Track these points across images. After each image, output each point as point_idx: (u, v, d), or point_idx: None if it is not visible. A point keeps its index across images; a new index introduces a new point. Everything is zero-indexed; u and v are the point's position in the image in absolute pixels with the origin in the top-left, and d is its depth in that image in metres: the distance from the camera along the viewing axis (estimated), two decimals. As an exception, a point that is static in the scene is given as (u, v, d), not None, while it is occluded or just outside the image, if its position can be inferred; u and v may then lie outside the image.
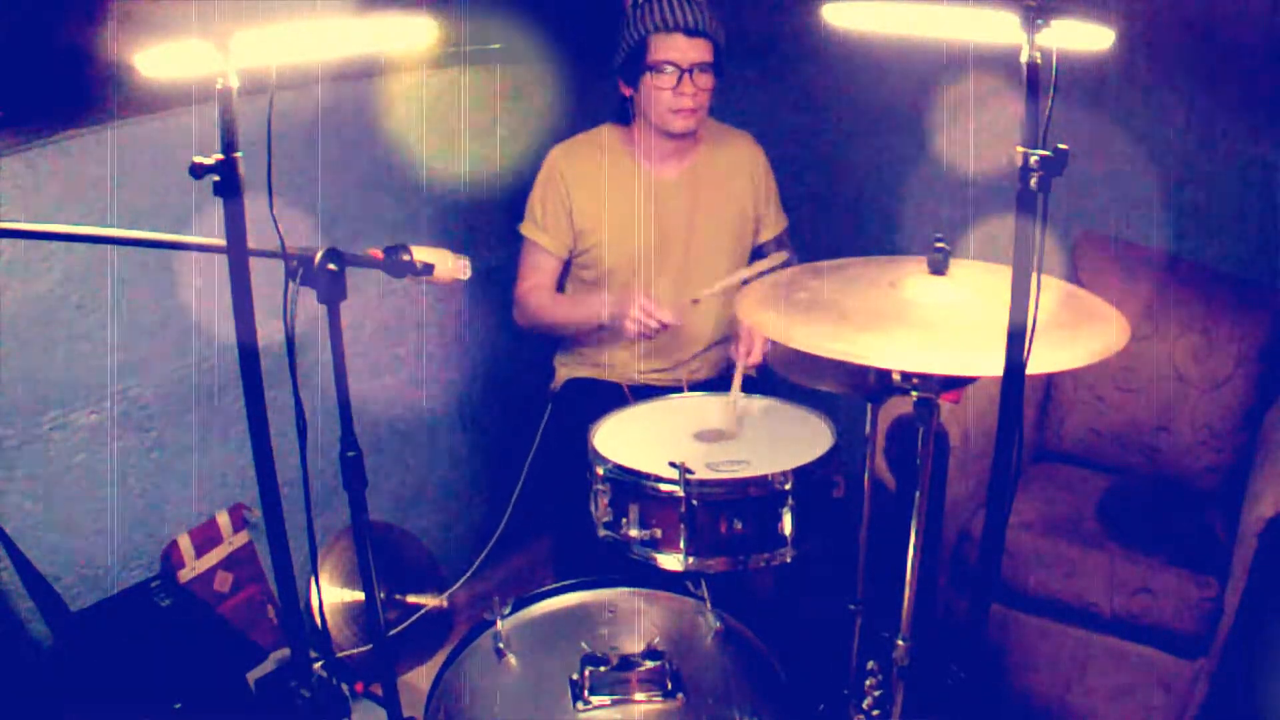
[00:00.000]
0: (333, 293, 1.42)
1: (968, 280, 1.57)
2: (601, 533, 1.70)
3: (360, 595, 2.27)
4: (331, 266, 1.40)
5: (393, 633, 2.32)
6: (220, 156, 1.23)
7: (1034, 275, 1.18)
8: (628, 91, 2.23)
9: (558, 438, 2.31)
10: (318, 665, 2.05)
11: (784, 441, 1.76)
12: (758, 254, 2.44)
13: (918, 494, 1.55)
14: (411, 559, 2.50)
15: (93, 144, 1.81)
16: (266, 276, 1.41)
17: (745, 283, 1.91)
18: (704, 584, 1.74)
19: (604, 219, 2.27)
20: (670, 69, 2.13)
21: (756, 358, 2.16)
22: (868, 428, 1.71)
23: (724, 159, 2.34)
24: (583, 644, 1.59)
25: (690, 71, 2.13)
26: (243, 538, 2.17)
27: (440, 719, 1.53)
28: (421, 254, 1.57)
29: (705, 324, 2.34)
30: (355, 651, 2.25)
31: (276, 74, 1.23)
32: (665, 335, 2.21)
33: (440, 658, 1.76)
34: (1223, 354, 2.27)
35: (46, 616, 1.70)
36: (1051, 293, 1.49)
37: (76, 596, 1.93)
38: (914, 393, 1.50)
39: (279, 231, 1.33)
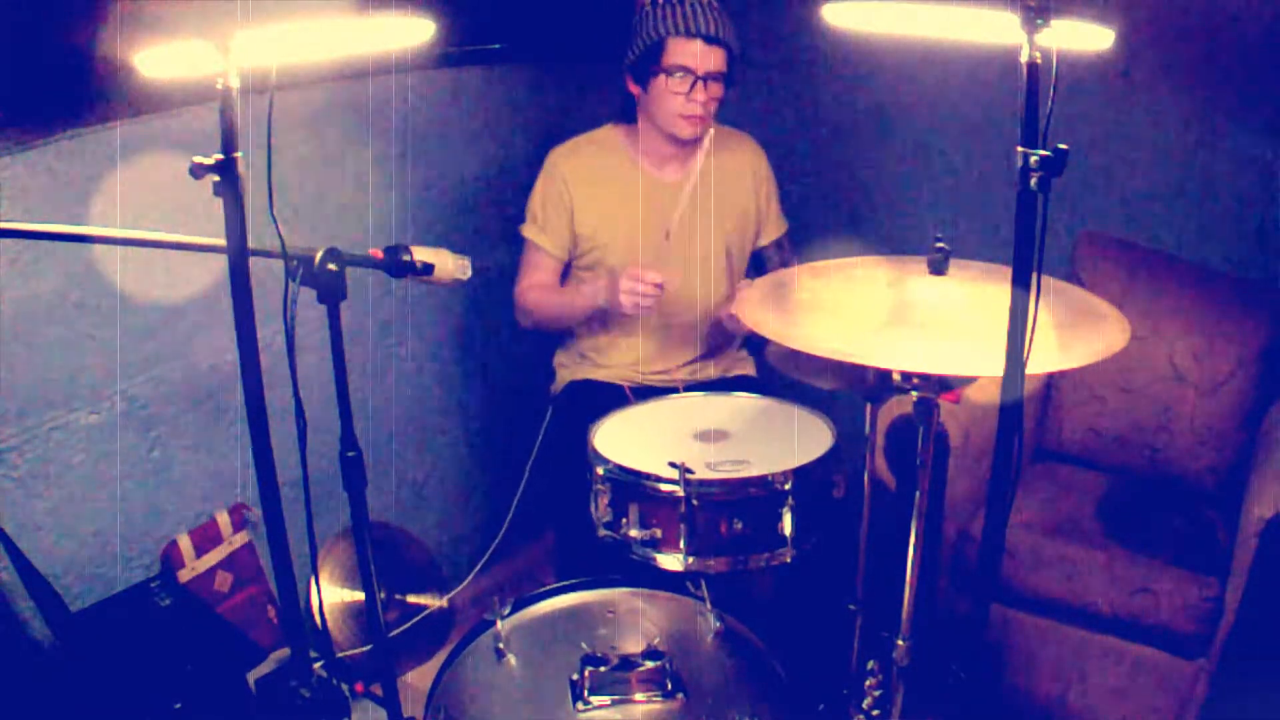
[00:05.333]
0: (333, 293, 1.42)
1: (968, 280, 1.57)
2: (601, 533, 1.70)
3: (360, 595, 2.27)
4: (331, 266, 1.40)
5: (393, 633, 2.33)
6: (220, 156, 1.23)
7: (1034, 275, 1.18)
8: (635, 91, 2.23)
9: (558, 440, 2.31)
10: (318, 665, 2.05)
11: (784, 441, 1.76)
12: (758, 259, 2.44)
13: (918, 494, 1.55)
14: (412, 559, 2.50)
15: (93, 144, 1.81)
16: (266, 276, 1.41)
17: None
18: (704, 584, 1.74)
19: (605, 221, 2.27)
20: (684, 74, 2.12)
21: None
22: (868, 428, 1.71)
23: (726, 162, 2.33)
24: (583, 644, 1.59)
25: (704, 79, 2.13)
26: (243, 538, 2.17)
27: (440, 719, 1.53)
28: (421, 254, 1.57)
29: (706, 327, 2.34)
30: (355, 651, 2.25)
31: (276, 74, 1.23)
32: (667, 332, 2.22)
33: (440, 658, 1.76)
34: (1223, 354, 2.27)
35: (46, 616, 1.69)
36: (1051, 293, 1.49)
37: (76, 596, 1.92)
38: (914, 393, 1.50)
39: (279, 231, 1.33)
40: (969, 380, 2.25)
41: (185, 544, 2.07)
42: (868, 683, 1.71)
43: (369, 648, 2.21)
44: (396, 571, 2.43)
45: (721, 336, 2.37)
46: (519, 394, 2.71)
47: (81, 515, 1.92)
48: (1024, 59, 1.13)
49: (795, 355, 1.62)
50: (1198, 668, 1.96)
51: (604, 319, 2.31)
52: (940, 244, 1.56)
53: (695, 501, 1.59)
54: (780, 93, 2.99)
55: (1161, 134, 2.50)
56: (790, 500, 1.61)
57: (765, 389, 2.04)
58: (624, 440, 1.77)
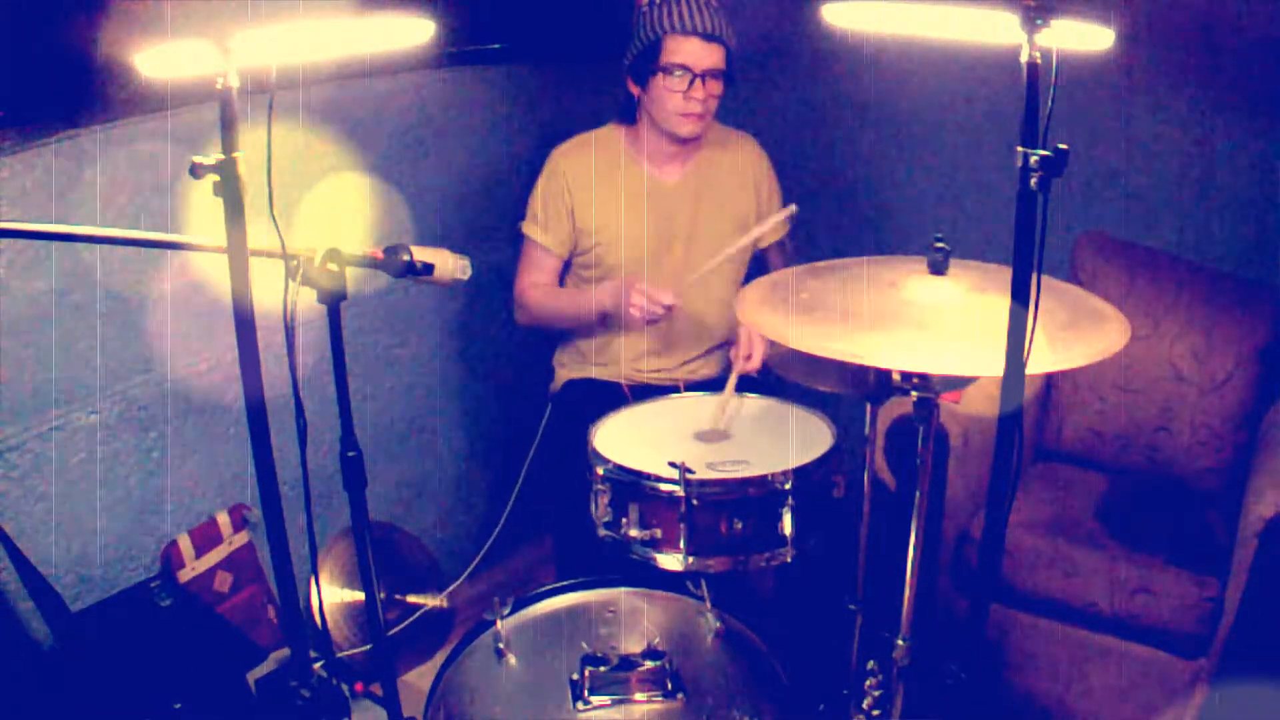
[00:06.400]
0: (333, 293, 1.42)
1: (968, 280, 1.57)
2: (601, 533, 1.70)
3: (360, 595, 2.27)
4: (331, 266, 1.40)
5: (393, 632, 2.33)
6: (220, 156, 1.23)
7: (1034, 275, 1.18)
8: (635, 90, 2.23)
9: (557, 439, 2.31)
10: (318, 665, 2.05)
11: (784, 441, 1.76)
12: (760, 259, 2.43)
13: (918, 494, 1.55)
14: (411, 559, 2.50)
15: (93, 144, 1.81)
16: (266, 277, 1.41)
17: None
18: (704, 584, 1.74)
19: (605, 220, 2.27)
20: (682, 72, 2.12)
21: (756, 363, 2.16)
22: (868, 428, 1.71)
23: (726, 162, 2.33)
24: (583, 644, 1.60)
25: (703, 77, 2.13)
26: (243, 538, 2.17)
27: (440, 719, 1.53)
28: (421, 254, 1.56)
29: (707, 326, 2.34)
30: (355, 651, 2.25)
31: (276, 74, 1.23)
32: (668, 331, 2.21)
33: (440, 658, 1.76)
34: (1223, 354, 2.27)
35: (46, 616, 1.69)
36: (1051, 293, 1.49)
37: (76, 596, 1.92)
38: (914, 393, 1.50)
39: (279, 231, 1.33)
40: (969, 380, 2.26)
41: (185, 544, 2.07)
42: (868, 683, 1.71)
43: (369, 648, 2.21)
44: (396, 571, 2.43)
45: (724, 336, 2.37)
46: (518, 393, 2.71)
47: (81, 515, 1.92)
48: (1024, 59, 1.13)
49: (796, 356, 1.62)
50: (1198, 668, 1.96)
51: (604, 318, 2.31)
52: (940, 244, 1.56)
53: (695, 501, 1.59)
54: (780, 92, 2.99)
55: (1161, 134, 2.50)
56: (790, 500, 1.61)
57: (765, 389, 2.04)
58: (624, 440, 1.77)
